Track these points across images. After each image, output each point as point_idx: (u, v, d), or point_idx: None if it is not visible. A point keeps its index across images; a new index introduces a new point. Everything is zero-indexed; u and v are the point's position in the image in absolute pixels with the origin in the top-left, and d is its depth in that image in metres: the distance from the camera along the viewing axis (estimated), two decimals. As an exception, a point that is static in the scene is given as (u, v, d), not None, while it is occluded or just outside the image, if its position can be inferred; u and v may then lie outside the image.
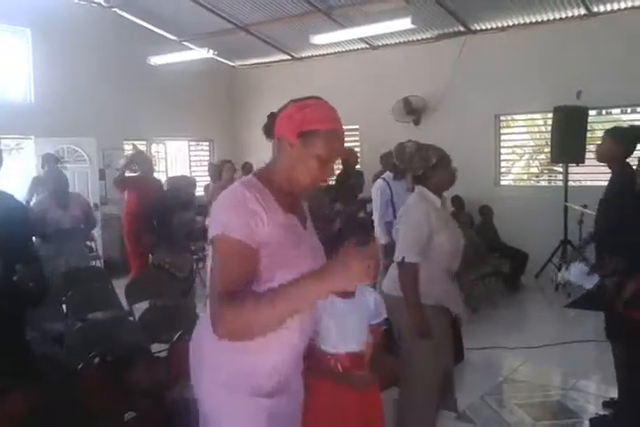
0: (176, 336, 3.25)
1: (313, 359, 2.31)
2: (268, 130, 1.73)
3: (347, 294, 2.37)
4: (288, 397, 1.73)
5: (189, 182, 5.49)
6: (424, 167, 2.85)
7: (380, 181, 5.13)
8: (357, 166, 6.86)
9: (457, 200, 7.51)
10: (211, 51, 8.40)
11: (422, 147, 2.92)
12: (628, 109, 7.54)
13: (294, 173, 1.65)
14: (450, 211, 6.29)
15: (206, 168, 8.92)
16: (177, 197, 5.02)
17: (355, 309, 2.33)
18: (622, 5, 7.03)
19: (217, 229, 1.57)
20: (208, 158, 10.40)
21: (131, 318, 4.21)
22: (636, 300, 2.75)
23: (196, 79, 9.62)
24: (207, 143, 10.62)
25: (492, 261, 6.70)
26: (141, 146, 9.56)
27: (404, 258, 2.75)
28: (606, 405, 3.69)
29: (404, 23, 6.93)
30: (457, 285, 2.97)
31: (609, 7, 7.11)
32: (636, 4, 6.94)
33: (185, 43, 9.48)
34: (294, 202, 1.73)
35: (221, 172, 7.32)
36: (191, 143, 10.46)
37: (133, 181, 6.78)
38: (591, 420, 3.53)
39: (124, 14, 8.97)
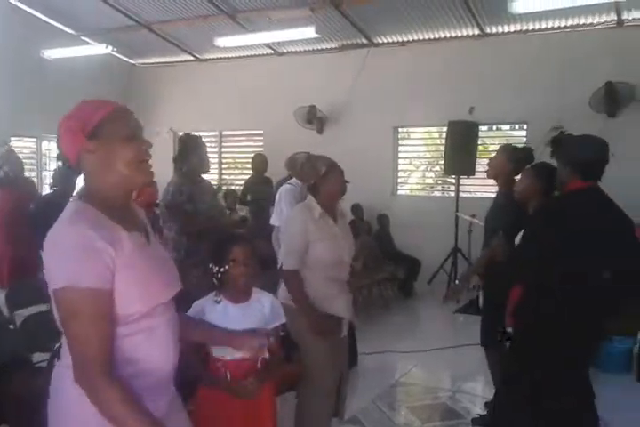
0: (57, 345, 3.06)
1: (206, 367, 2.27)
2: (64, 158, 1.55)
3: (239, 299, 2.35)
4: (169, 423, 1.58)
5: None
6: (314, 177, 2.89)
7: (287, 186, 4.97)
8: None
9: (356, 209, 7.68)
10: (109, 47, 8.11)
11: (312, 157, 2.98)
12: (517, 126, 8.05)
13: (115, 174, 1.48)
14: (347, 219, 6.47)
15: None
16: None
17: (247, 314, 2.30)
18: (512, 28, 7.51)
19: (60, 280, 1.38)
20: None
21: (11, 326, 3.93)
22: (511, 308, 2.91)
23: (94, 76, 9.19)
24: (104, 143, 10.16)
25: (387, 267, 6.90)
26: (31, 143, 9.03)
27: (282, 265, 2.81)
28: (487, 405, 3.88)
29: (309, 32, 7.02)
30: (347, 292, 3.02)
31: (500, 29, 7.58)
32: (524, 28, 7.44)
33: (83, 37, 9.07)
34: (130, 216, 1.56)
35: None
36: (86, 142, 9.97)
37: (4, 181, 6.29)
38: (472, 420, 3.70)
39: (20, 5, 8.45)
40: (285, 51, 8.96)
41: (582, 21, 7.17)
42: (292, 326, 2.77)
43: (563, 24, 7.27)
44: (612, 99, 6.81)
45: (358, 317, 5.43)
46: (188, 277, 3.18)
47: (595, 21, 7.13)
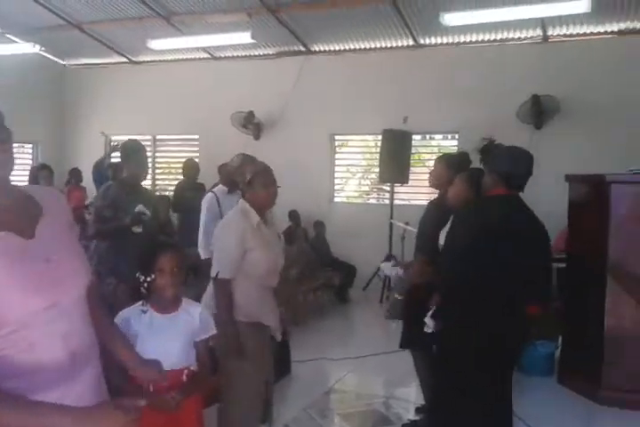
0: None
1: (128, 379, 2.19)
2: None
3: (166, 309, 2.29)
4: None
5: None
6: (242, 183, 2.84)
7: (209, 194, 4.88)
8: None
9: (294, 215, 7.68)
10: (37, 46, 7.79)
11: (246, 162, 2.92)
12: (449, 136, 8.26)
13: None
14: (277, 226, 6.43)
15: (28, 173, 8.18)
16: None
17: (174, 324, 2.25)
18: (445, 40, 7.72)
19: None
20: (31, 162, 9.56)
21: None
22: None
23: (21, 76, 8.82)
24: (30, 146, 9.77)
25: (323, 274, 6.92)
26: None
27: (217, 274, 2.73)
28: (418, 411, 3.93)
29: (244, 37, 6.99)
30: (275, 300, 2.99)
31: (433, 41, 7.77)
32: (456, 40, 7.66)
33: (8, 35, 8.68)
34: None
35: (37, 178, 6.74)
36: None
37: None
38: (403, 426, 3.74)
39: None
40: (222, 55, 8.88)
41: (511, 36, 7.45)
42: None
43: (493, 37, 7.53)
44: (538, 111, 7.09)
45: (293, 324, 5.43)
46: (101, 284, 3.08)
47: (522, 36, 7.42)
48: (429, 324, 2.96)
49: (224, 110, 8.36)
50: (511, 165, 2.67)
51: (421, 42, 7.80)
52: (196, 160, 7.37)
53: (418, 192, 7.83)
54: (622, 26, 6.99)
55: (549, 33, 7.26)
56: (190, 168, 6.65)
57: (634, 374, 3.60)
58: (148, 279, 2.24)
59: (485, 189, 2.74)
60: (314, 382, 4.58)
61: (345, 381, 4.65)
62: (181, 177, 6.96)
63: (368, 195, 9.05)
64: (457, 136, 7.92)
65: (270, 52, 8.56)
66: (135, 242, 3.44)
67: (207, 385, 2.45)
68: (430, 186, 3.76)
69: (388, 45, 7.99)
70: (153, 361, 1.81)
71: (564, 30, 7.21)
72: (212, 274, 2.76)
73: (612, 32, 7.09)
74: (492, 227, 2.52)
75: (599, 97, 6.92)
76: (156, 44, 7.49)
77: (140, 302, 2.29)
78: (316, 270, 6.81)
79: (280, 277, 2.96)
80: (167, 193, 8.23)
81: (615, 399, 3.64)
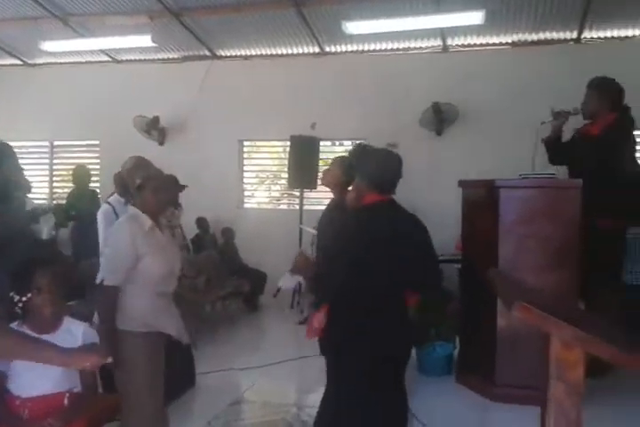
0: None
1: (3, 405, 2.05)
2: None
3: (46, 329, 2.16)
4: None
5: None
6: (131, 187, 2.75)
7: (105, 205, 4.48)
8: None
9: (202, 222, 7.53)
10: None
11: (137, 165, 2.80)
12: (356, 142, 8.37)
13: None
14: (182, 232, 6.28)
15: None
16: None
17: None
18: (349, 48, 7.84)
19: None
20: None
21: None
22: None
23: None
24: None
25: (232, 282, 6.82)
26: None
27: (103, 280, 2.61)
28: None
29: (145, 40, 6.80)
30: (174, 307, 2.90)
31: (338, 48, 7.88)
32: (360, 48, 7.80)
33: None
34: None
35: None
36: None
37: None
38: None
39: None
40: (124, 59, 8.60)
41: (412, 45, 7.67)
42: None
43: (396, 46, 7.73)
44: (438, 118, 7.34)
45: (200, 334, 5.31)
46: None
47: (424, 46, 7.66)
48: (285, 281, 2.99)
49: (127, 115, 8.09)
50: (381, 170, 2.68)
51: (327, 49, 7.89)
52: (93, 167, 7.08)
53: (327, 197, 7.86)
54: (515, 38, 7.37)
55: (449, 43, 7.54)
56: (80, 176, 6.34)
57: (525, 372, 3.75)
58: (24, 299, 2.11)
59: (359, 194, 2.76)
60: (220, 393, 4.47)
61: (253, 390, 4.57)
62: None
63: (279, 200, 9.04)
64: (364, 142, 8.04)
65: (175, 56, 8.38)
66: (8, 260, 3.18)
67: (95, 407, 2.34)
68: (322, 184, 3.81)
69: (294, 52, 8.03)
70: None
71: (462, 40, 7.52)
72: (97, 280, 2.63)
73: (506, 43, 7.46)
74: (375, 235, 2.56)
75: (494, 104, 7.25)
76: (50, 45, 7.14)
77: (16, 323, 2.16)
78: (224, 278, 6.70)
79: (178, 283, 2.87)
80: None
81: (508, 396, 3.79)
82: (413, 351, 4.42)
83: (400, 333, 2.61)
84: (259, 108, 8.02)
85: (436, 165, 7.42)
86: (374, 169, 2.68)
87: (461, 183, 4.26)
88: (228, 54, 8.26)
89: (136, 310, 2.65)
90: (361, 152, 3.00)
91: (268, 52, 8.10)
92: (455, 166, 6.86)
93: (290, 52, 8.03)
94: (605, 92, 4.33)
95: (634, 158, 4.45)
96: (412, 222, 2.68)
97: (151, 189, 2.68)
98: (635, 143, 4.48)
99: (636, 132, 4.48)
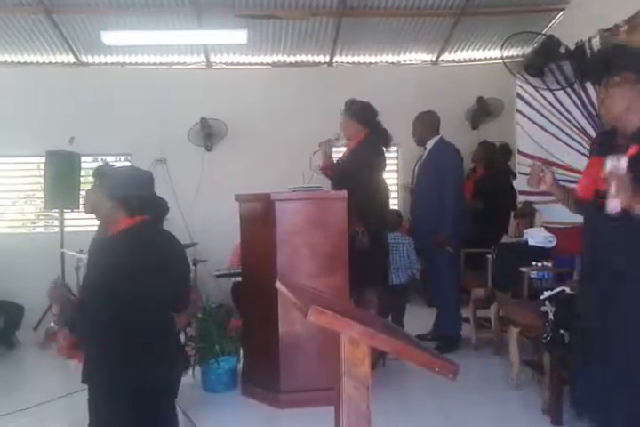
0: None
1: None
2: None
3: None
4: None
5: None
6: None
7: None
8: None
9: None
10: None
11: None
12: (122, 158, 8.00)
13: None
14: None
15: None
16: None
17: None
18: (109, 60, 7.48)
19: None
20: None
21: None
22: None
23: None
24: None
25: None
26: None
27: None
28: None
29: None
30: None
31: (97, 59, 7.47)
32: (120, 60, 7.49)
33: None
34: None
35: None
36: None
37: None
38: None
39: None
40: None
41: (177, 60, 7.61)
42: None
43: (159, 60, 7.58)
44: (207, 134, 7.38)
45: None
46: None
47: (188, 61, 7.64)
48: None
49: None
50: (128, 188, 2.46)
51: (84, 60, 7.42)
52: None
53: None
54: (275, 58, 7.74)
55: (212, 60, 7.63)
56: None
57: (306, 375, 3.92)
58: None
59: (110, 220, 2.52)
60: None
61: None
62: None
63: (34, 223, 8.19)
64: (130, 158, 7.72)
65: None
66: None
67: None
68: (87, 212, 3.48)
69: (48, 61, 7.40)
70: None
71: (225, 58, 7.66)
72: None
73: (267, 63, 7.80)
74: (137, 263, 2.34)
75: (261, 121, 7.52)
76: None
77: None
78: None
79: None
80: None
81: (295, 401, 3.89)
82: (197, 370, 4.34)
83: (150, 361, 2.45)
84: (7, 121, 7.19)
85: (209, 180, 7.41)
86: (121, 188, 2.47)
87: (238, 197, 4.31)
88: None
89: None
90: (100, 173, 2.71)
91: (22, 60, 7.34)
92: (228, 181, 6.92)
93: (43, 60, 7.38)
94: (357, 113, 4.72)
95: (371, 167, 4.61)
96: (174, 246, 2.60)
97: None
98: (377, 154, 4.70)
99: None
